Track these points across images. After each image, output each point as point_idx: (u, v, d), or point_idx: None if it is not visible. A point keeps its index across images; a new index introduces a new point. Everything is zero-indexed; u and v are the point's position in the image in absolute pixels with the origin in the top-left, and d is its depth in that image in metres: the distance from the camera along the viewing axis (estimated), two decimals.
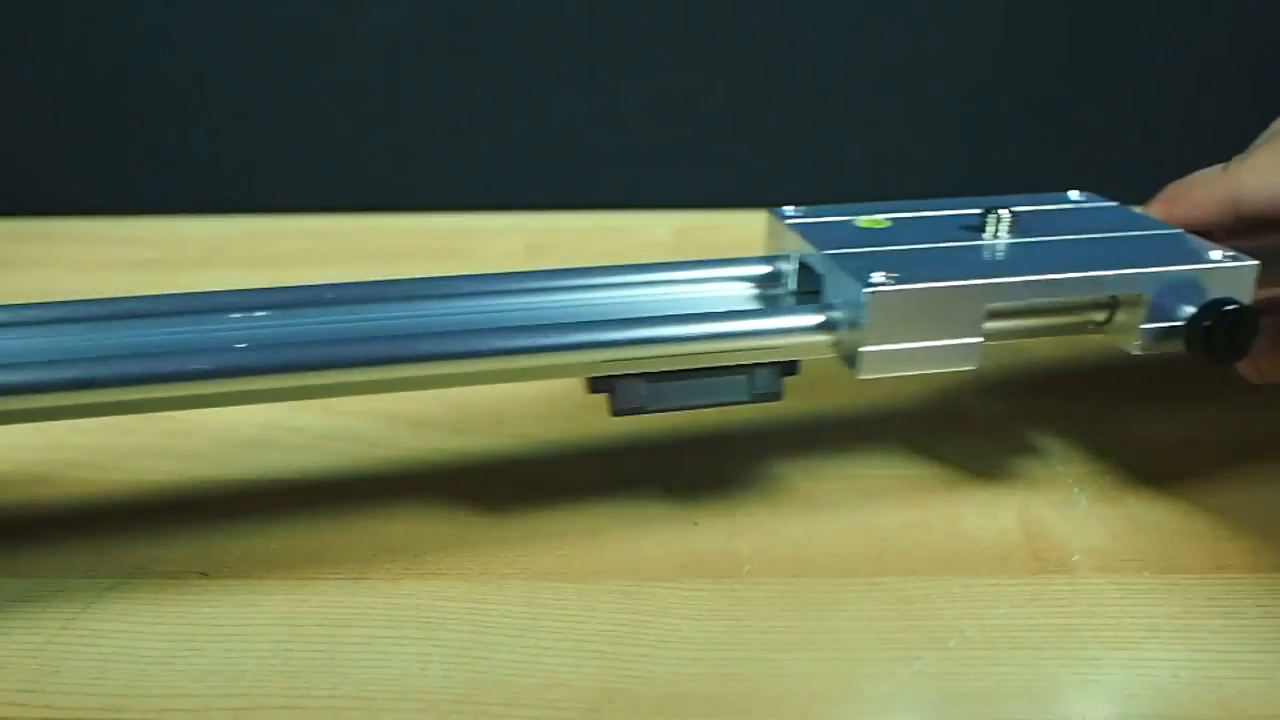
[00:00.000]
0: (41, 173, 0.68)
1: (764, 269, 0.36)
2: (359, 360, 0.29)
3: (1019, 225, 0.35)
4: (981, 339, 0.31)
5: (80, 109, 0.66)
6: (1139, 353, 0.32)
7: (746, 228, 0.65)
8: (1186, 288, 0.32)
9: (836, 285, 0.32)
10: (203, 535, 0.34)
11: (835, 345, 0.32)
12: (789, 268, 0.35)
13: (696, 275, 0.36)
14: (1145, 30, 0.65)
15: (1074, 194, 0.39)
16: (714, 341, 0.31)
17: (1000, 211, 0.35)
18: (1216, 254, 0.32)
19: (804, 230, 0.35)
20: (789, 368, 0.32)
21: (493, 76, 0.66)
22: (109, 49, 0.65)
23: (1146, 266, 0.32)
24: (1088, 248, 0.34)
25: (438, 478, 0.38)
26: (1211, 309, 0.31)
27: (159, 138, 0.67)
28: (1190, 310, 0.32)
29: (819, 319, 0.31)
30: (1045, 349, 0.34)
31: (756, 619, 0.30)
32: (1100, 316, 0.33)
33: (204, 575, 0.33)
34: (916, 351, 0.31)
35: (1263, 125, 0.37)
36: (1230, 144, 0.35)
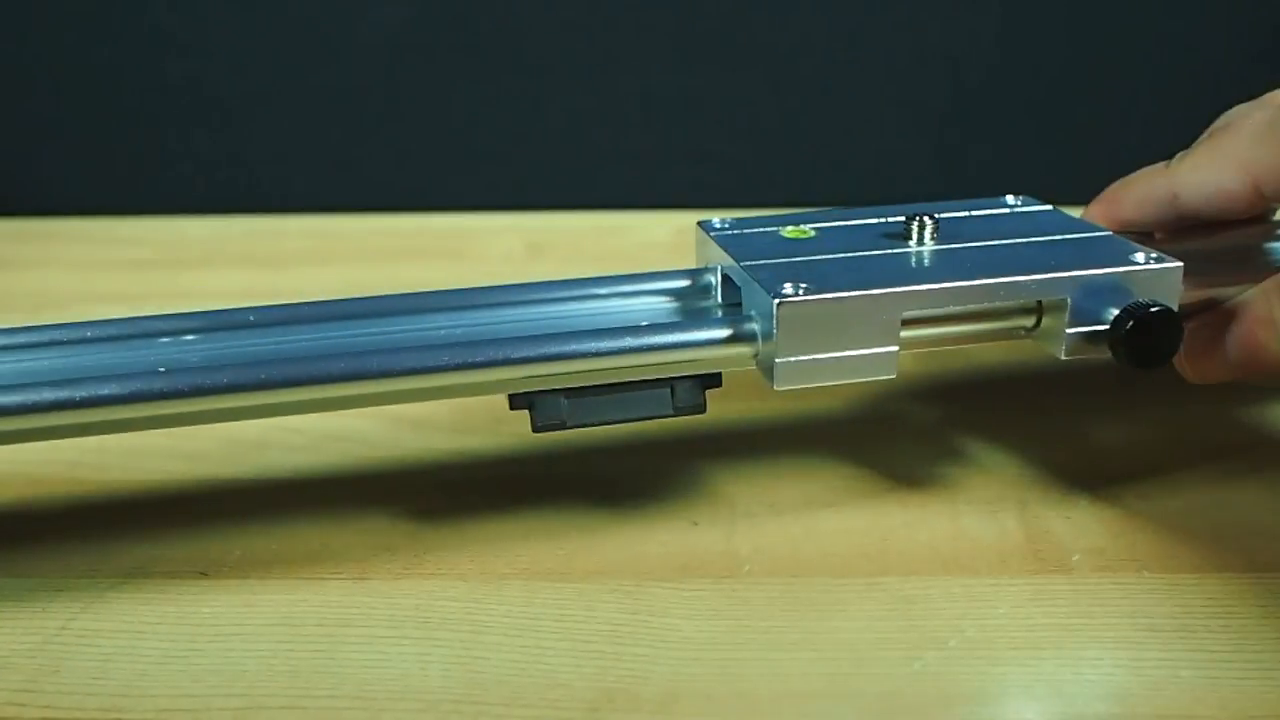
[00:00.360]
0: (41, 173, 0.68)
1: (686, 282, 0.36)
2: (267, 383, 0.29)
3: (943, 232, 0.35)
4: (897, 348, 0.31)
5: (80, 109, 0.66)
6: (1065, 357, 0.32)
7: None
8: (1110, 291, 0.31)
9: (751, 297, 0.32)
10: (203, 535, 0.34)
11: (754, 357, 0.32)
12: (714, 280, 0.36)
13: (620, 289, 0.36)
14: (1144, 30, 0.65)
15: (1010, 198, 0.39)
16: (630, 355, 0.31)
17: (923, 218, 0.34)
18: (1140, 256, 0.32)
19: (726, 242, 0.35)
20: (710, 380, 0.32)
21: (492, 76, 0.66)
22: (109, 49, 0.65)
23: (1067, 270, 0.32)
24: (1010, 252, 0.33)
25: (438, 478, 0.38)
26: (1134, 312, 0.31)
27: (159, 138, 0.67)
28: (1114, 313, 0.31)
29: (731, 331, 0.31)
30: (1041, 347, 0.34)
31: (756, 619, 0.30)
32: (1028, 322, 0.33)
33: (204, 575, 0.33)
34: (832, 362, 0.31)
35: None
36: None
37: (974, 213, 0.38)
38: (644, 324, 0.32)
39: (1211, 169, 0.34)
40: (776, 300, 0.30)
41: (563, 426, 0.31)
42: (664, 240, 0.63)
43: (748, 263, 0.33)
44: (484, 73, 0.66)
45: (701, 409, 0.32)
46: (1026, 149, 0.67)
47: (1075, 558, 0.33)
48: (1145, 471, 0.37)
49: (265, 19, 0.64)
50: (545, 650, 0.29)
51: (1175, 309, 0.31)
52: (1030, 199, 0.39)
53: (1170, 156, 0.36)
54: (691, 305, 0.36)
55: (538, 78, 0.66)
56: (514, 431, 0.41)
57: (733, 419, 0.41)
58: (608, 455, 0.39)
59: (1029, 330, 0.33)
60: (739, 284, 0.33)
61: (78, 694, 0.28)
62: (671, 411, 0.32)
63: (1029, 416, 0.41)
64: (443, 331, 0.34)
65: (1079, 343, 0.32)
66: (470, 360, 0.30)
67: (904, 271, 0.32)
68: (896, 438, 0.40)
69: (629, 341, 0.31)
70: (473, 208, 0.68)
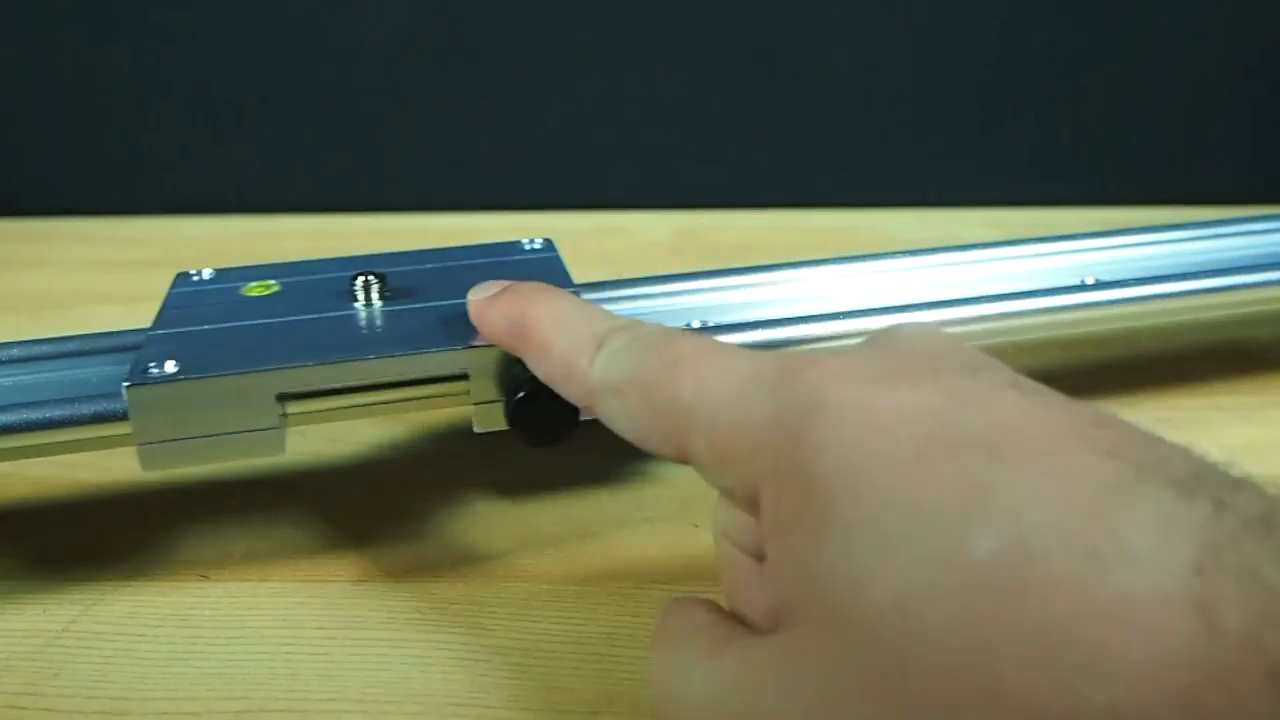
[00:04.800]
0: (41, 173, 0.68)
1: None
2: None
3: (393, 291, 0.33)
4: (280, 427, 0.29)
5: (80, 109, 0.66)
6: (480, 430, 0.31)
7: (747, 228, 0.65)
8: (510, 362, 0.29)
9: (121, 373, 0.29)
10: (203, 537, 0.34)
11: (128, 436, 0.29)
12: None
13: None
14: (1144, 30, 0.65)
15: (531, 242, 0.38)
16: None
17: (369, 278, 0.33)
18: None
19: (176, 298, 0.34)
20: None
21: (493, 76, 0.66)
22: (109, 49, 0.65)
23: (461, 345, 0.30)
24: (443, 320, 0.31)
25: (438, 479, 0.38)
26: (520, 384, 0.28)
27: (159, 138, 0.67)
28: (505, 385, 0.29)
29: (97, 409, 0.29)
30: (1043, 348, 0.34)
31: None
32: (460, 390, 0.31)
33: (204, 577, 0.33)
34: (205, 443, 0.29)
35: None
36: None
37: (455, 262, 0.36)
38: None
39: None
40: (127, 382, 0.28)
41: None
42: (664, 240, 0.63)
43: (158, 330, 0.31)
44: (484, 73, 0.66)
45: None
46: (1028, 148, 0.67)
47: None
48: None
49: (266, 19, 0.64)
50: (546, 653, 0.29)
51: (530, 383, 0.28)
52: (549, 246, 0.37)
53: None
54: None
55: (538, 78, 0.66)
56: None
57: None
58: (608, 457, 0.39)
59: (461, 398, 0.31)
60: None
61: (78, 697, 0.28)
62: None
63: None
64: None
65: (486, 416, 0.31)
66: None
67: (287, 346, 0.30)
68: None
69: None
70: (473, 208, 0.68)
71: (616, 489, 0.37)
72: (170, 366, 0.29)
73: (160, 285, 0.36)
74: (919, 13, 0.65)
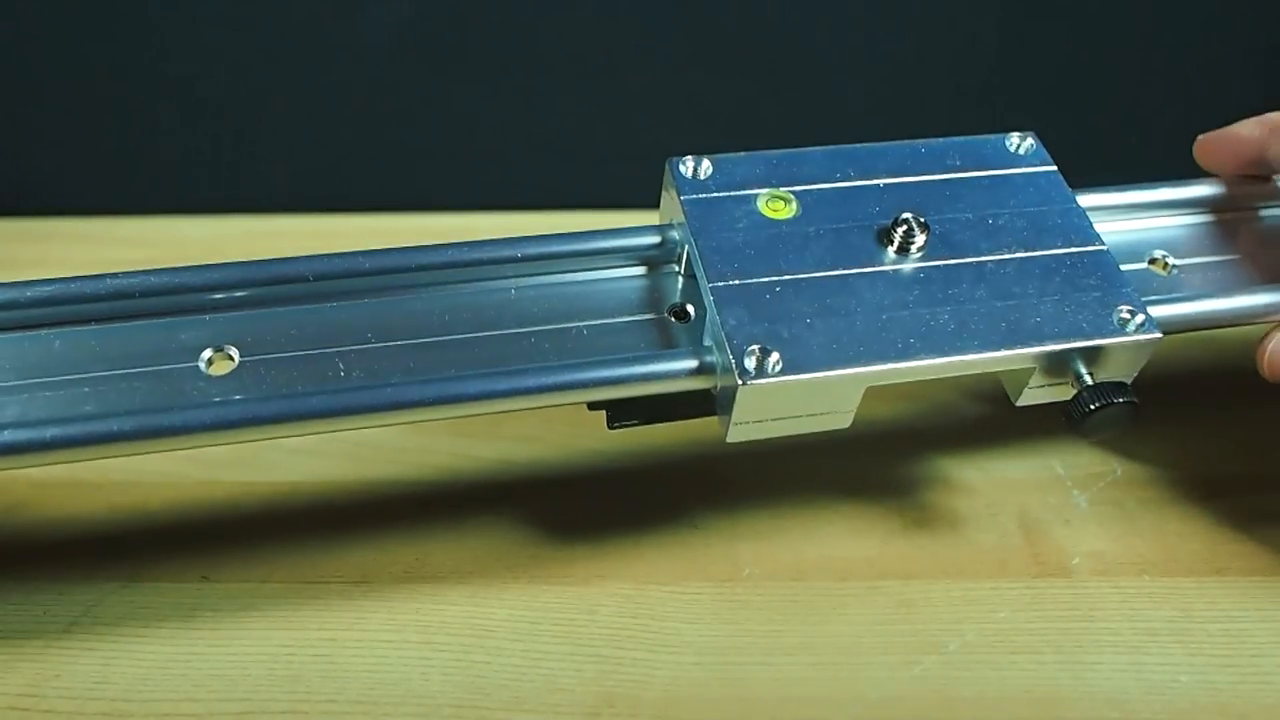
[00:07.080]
0: (41, 173, 0.68)
1: (655, 239, 0.34)
2: (373, 407, 0.29)
3: (932, 237, 0.32)
4: (854, 410, 0.31)
5: (80, 109, 0.66)
6: (1019, 404, 0.32)
7: None
8: (1082, 354, 0.30)
9: (714, 332, 0.30)
10: (204, 538, 0.34)
11: (715, 389, 0.30)
12: (678, 237, 0.34)
13: (590, 246, 0.35)
14: (1146, 26, 0.65)
15: (1013, 140, 0.37)
16: (600, 388, 0.30)
17: (913, 228, 0.32)
18: (1125, 313, 0.31)
19: (696, 219, 0.33)
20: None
21: (492, 76, 0.66)
22: (109, 49, 0.65)
23: (1039, 343, 0.30)
24: (992, 295, 0.31)
25: (438, 481, 0.38)
26: (1095, 396, 0.30)
27: (160, 138, 0.67)
28: (1078, 381, 0.31)
29: (696, 363, 0.30)
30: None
31: (756, 622, 0.31)
32: (1023, 375, 0.32)
33: (205, 579, 0.33)
34: (789, 420, 0.30)
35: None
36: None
37: (969, 173, 0.35)
38: (613, 358, 0.31)
39: None
40: (742, 380, 0.28)
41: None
42: None
43: (716, 283, 0.31)
44: (484, 73, 0.66)
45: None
46: None
47: (1075, 561, 0.33)
48: (1145, 475, 0.37)
49: (265, 19, 0.64)
50: (546, 654, 0.29)
51: (1133, 395, 0.30)
52: (1037, 150, 0.38)
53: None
54: (654, 275, 0.35)
55: (538, 78, 0.66)
56: (514, 435, 0.41)
57: None
58: (608, 458, 0.39)
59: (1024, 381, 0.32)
60: (700, 289, 0.31)
61: (79, 698, 0.28)
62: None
63: (1028, 420, 0.41)
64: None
65: (1038, 395, 0.32)
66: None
67: (876, 342, 0.30)
68: (897, 441, 0.40)
69: (596, 374, 0.30)
70: (473, 208, 0.68)
71: (617, 489, 0.37)
72: (773, 361, 0.29)
73: None
74: (917, 12, 0.65)
